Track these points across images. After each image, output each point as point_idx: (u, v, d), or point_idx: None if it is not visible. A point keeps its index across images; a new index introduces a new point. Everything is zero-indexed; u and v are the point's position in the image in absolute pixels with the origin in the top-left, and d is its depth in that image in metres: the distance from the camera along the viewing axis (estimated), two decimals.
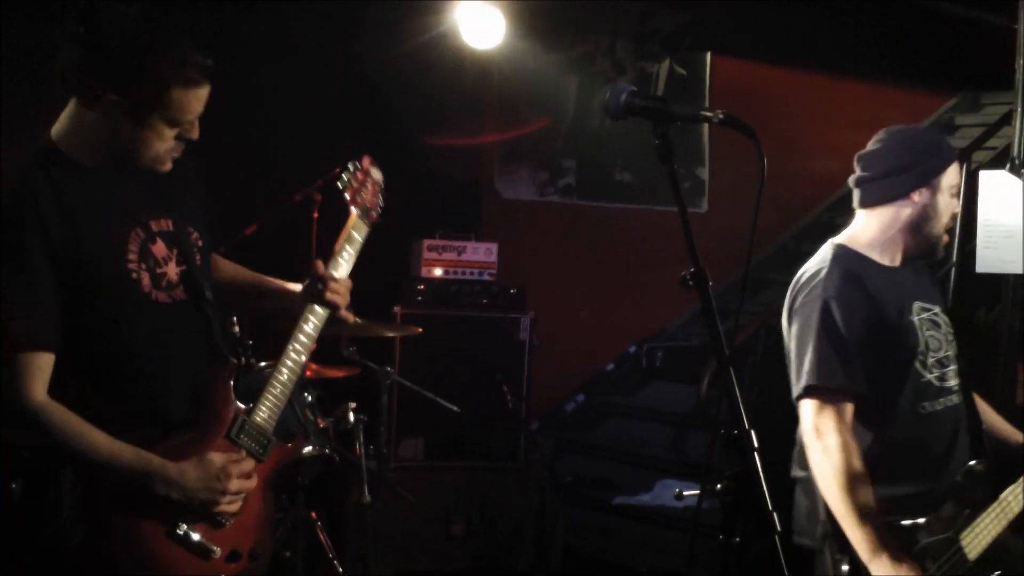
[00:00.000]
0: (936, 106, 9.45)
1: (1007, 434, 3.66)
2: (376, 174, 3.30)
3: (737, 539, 2.26)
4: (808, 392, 3.24)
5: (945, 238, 3.45)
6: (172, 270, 2.75)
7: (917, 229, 3.39)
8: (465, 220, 7.04)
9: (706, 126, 8.34)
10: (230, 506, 2.70)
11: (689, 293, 2.29)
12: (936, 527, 3.24)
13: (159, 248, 2.73)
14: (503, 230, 7.37)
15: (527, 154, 8.05)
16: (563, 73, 8.04)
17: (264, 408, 2.85)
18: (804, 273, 3.41)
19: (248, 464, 2.75)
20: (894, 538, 3.14)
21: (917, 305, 3.39)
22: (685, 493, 3.82)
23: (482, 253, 6.58)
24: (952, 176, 3.40)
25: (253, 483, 2.75)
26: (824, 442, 3.18)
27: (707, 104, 8.44)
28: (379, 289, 6.27)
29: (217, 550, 2.67)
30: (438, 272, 6.49)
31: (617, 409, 8.04)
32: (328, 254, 3.09)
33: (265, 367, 4.40)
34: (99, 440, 2.57)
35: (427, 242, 6.50)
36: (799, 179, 7.82)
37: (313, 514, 4.86)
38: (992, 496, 3.36)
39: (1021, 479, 3.39)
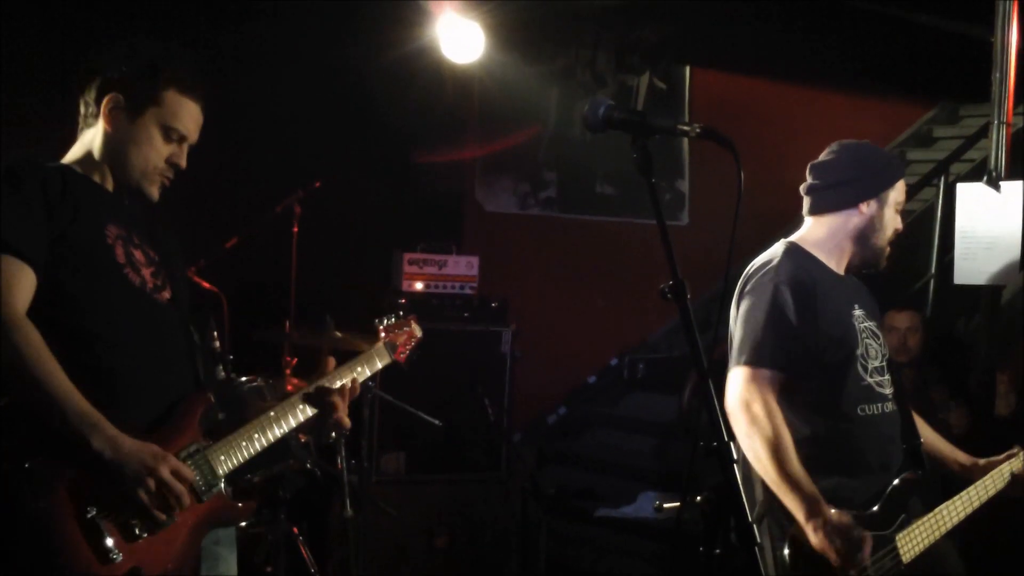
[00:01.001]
0: (915, 118, 9.52)
1: (946, 453, 3.73)
2: (417, 331, 3.50)
3: (718, 550, 2.27)
4: (742, 366, 3.31)
5: (887, 250, 3.55)
6: (148, 275, 2.80)
7: (863, 239, 3.50)
8: (447, 233, 7.05)
9: (686, 139, 8.39)
10: (152, 503, 2.57)
11: (670, 305, 2.30)
12: (874, 523, 3.30)
13: (138, 253, 2.81)
14: (485, 243, 7.37)
15: (508, 167, 8.06)
16: (544, 86, 8.06)
17: (224, 452, 2.80)
18: (754, 264, 3.50)
19: (187, 470, 2.66)
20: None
21: (859, 312, 3.49)
22: (665, 505, 3.84)
23: (463, 266, 6.58)
24: (899, 193, 3.53)
25: (185, 496, 2.63)
26: (751, 412, 3.24)
27: (687, 117, 8.48)
28: (360, 303, 6.28)
29: (119, 557, 2.53)
30: (419, 286, 6.48)
31: (599, 420, 8.04)
32: (344, 360, 3.20)
33: (245, 382, 4.41)
34: (62, 376, 2.53)
35: (408, 255, 6.49)
36: (779, 191, 7.80)
37: (295, 528, 4.85)
38: (927, 506, 3.44)
39: (962, 492, 3.51)
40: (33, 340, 2.53)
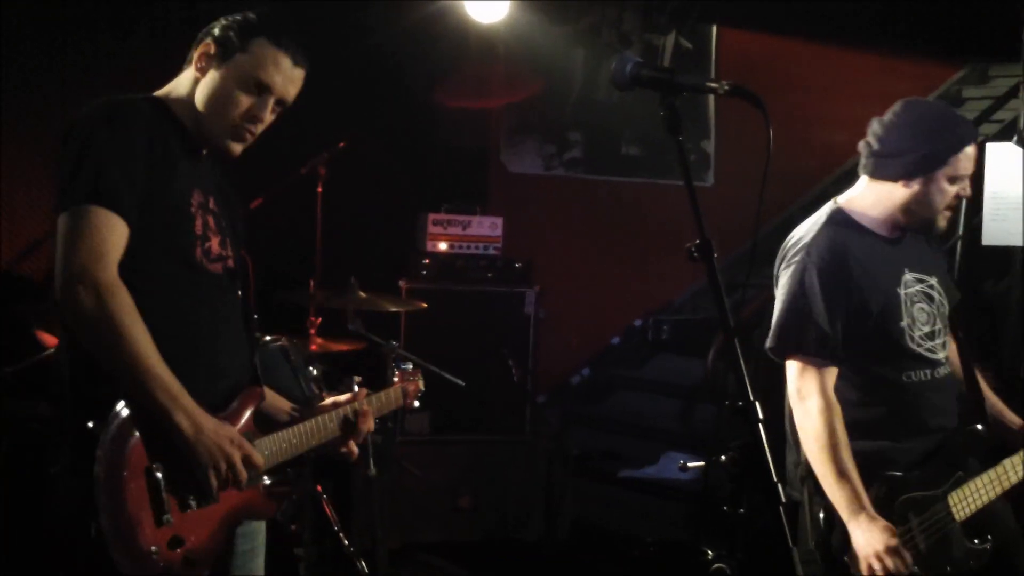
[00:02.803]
0: (944, 78, 9.39)
1: (1001, 413, 3.66)
2: (420, 383, 3.51)
3: (743, 510, 2.27)
4: (786, 354, 3.31)
5: (944, 217, 3.41)
6: (216, 247, 2.76)
7: (910, 211, 3.39)
8: (471, 194, 7.04)
9: (712, 99, 8.33)
10: (218, 479, 2.60)
11: (696, 266, 2.29)
12: (923, 483, 3.30)
13: (210, 220, 2.77)
14: (509, 204, 7.36)
15: (533, 127, 8.03)
16: (569, 46, 8.01)
17: (271, 447, 2.82)
18: (794, 234, 3.45)
19: (258, 457, 2.69)
20: (876, 490, 3.22)
21: (909, 276, 3.42)
22: (690, 464, 3.84)
23: (487, 227, 6.58)
24: (956, 167, 3.33)
25: (244, 478, 2.66)
26: (805, 404, 3.25)
27: (714, 76, 8.41)
28: (384, 263, 6.28)
29: (170, 520, 2.55)
30: (443, 246, 6.48)
31: (624, 382, 8.05)
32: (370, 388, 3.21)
33: (270, 341, 4.43)
34: (152, 346, 2.50)
35: (432, 216, 6.49)
36: (806, 151, 7.79)
37: (319, 487, 4.88)
38: (983, 464, 3.40)
39: (1017, 454, 3.41)
40: (128, 307, 2.48)
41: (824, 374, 3.26)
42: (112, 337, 2.47)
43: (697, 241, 2.28)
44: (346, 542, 4.81)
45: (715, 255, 2.28)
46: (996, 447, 3.44)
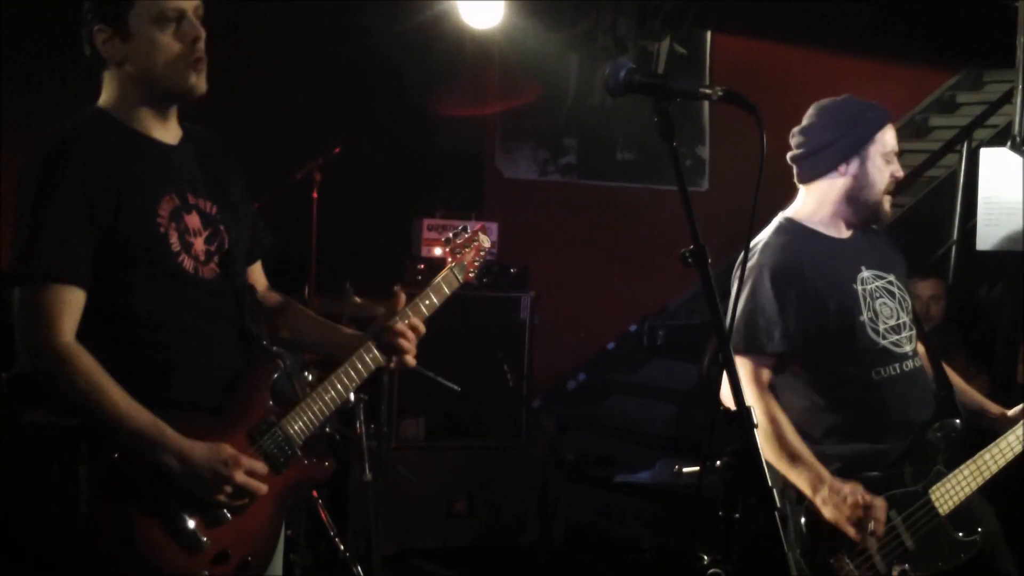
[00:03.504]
0: (938, 83, 9.42)
1: (979, 403, 3.67)
2: (484, 241, 3.39)
3: (738, 515, 2.27)
4: (738, 354, 3.33)
5: (887, 202, 3.48)
6: (200, 245, 2.70)
7: (852, 200, 3.44)
8: (466, 199, 7.04)
9: (707, 105, 8.34)
10: (231, 500, 2.58)
11: (690, 271, 2.29)
12: (902, 480, 3.30)
13: (192, 220, 2.70)
14: (504, 209, 7.36)
15: (528, 133, 8.03)
16: (564, 51, 8.02)
17: (298, 419, 2.78)
18: (749, 244, 3.47)
19: (260, 465, 2.65)
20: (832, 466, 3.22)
21: (867, 273, 3.45)
22: (685, 470, 3.84)
23: None
24: (883, 143, 3.42)
25: (263, 487, 2.63)
26: None
27: (707, 82, 8.42)
28: (380, 268, 6.28)
29: (206, 543, 2.56)
30: (438, 251, 6.47)
31: (619, 387, 8.05)
32: (410, 297, 3.16)
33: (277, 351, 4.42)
34: (118, 395, 2.50)
35: (427, 221, 6.49)
36: None
37: (314, 492, 4.87)
38: (962, 456, 3.40)
39: (1000, 439, 3.43)
40: (84, 367, 2.50)
41: (758, 372, 3.31)
42: (75, 398, 2.52)
43: (691, 247, 2.29)
44: (341, 547, 4.80)
45: (709, 261, 2.28)
46: (975, 439, 3.46)
